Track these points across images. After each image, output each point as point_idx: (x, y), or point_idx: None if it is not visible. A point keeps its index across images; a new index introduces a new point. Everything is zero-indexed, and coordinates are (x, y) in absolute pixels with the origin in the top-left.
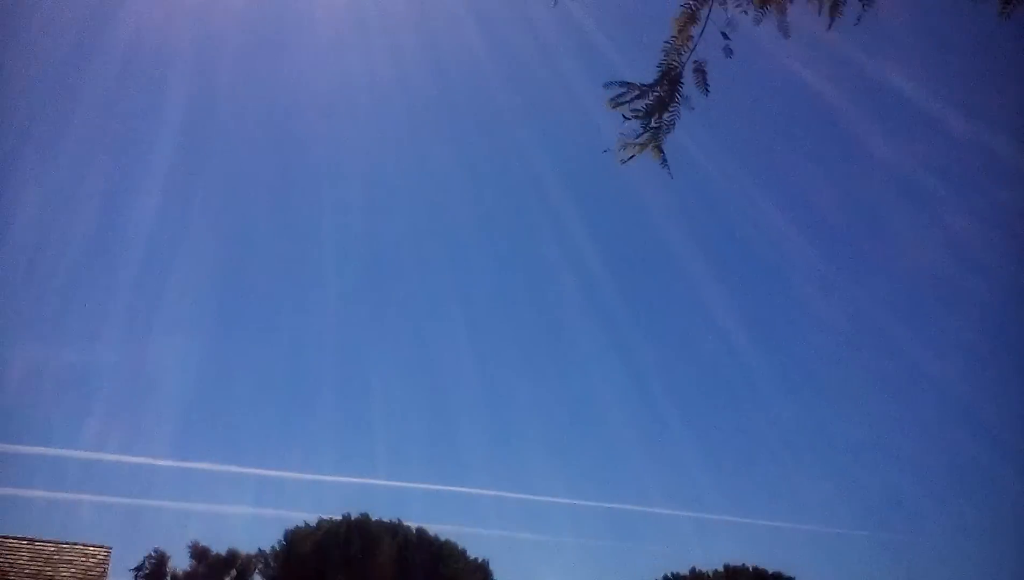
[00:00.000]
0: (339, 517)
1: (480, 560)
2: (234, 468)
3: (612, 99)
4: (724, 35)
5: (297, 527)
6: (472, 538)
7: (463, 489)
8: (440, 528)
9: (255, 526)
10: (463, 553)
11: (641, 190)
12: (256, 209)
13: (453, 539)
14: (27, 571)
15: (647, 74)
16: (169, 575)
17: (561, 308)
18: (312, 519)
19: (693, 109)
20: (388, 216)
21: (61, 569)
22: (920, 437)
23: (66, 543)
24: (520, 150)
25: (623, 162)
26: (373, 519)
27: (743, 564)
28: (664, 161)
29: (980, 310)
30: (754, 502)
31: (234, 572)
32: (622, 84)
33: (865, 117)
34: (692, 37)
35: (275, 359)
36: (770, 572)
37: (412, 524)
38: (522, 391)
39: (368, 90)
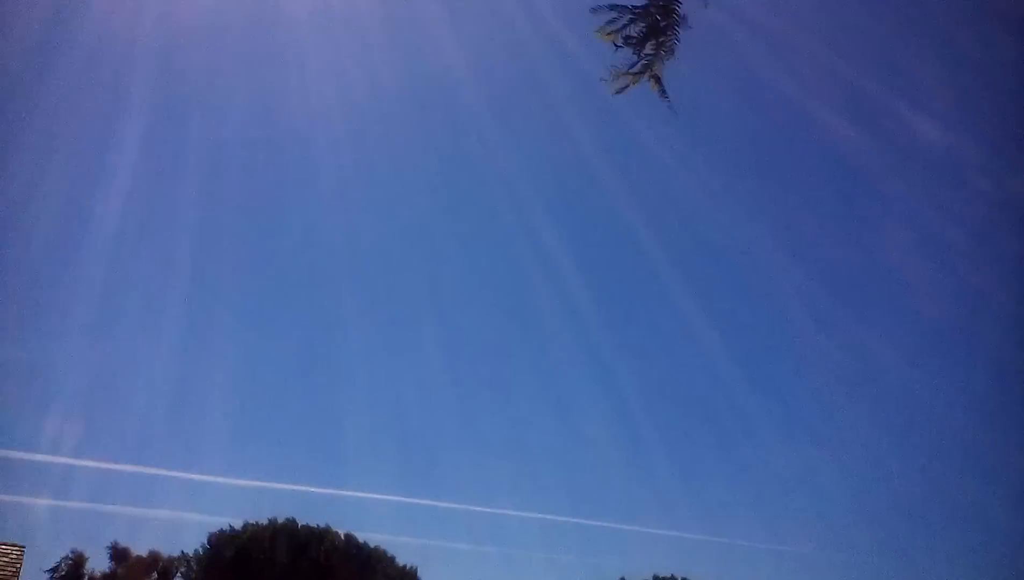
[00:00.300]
0: (265, 521)
1: (409, 567)
2: (160, 471)
3: (602, 27)
4: None
5: (221, 530)
6: (401, 547)
7: (396, 498)
8: (371, 536)
9: (179, 530)
10: (392, 560)
11: (629, 210)
12: (209, 211)
13: (383, 547)
14: None
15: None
16: (87, 576)
17: (530, 315)
18: (239, 524)
19: (691, 28)
20: (352, 217)
21: None
22: (897, 466)
23: None
24: (501, 159)
25: (617, 92)
26: (300, 524)
27: (672, 575)
28: (663, 91)
29: (985, 355)
30: (690, 516)
31: (155, 574)
32: (612, 7)
33: (877, 156)
34: None
35: (203, 360)
36: None
37: (341, 530)
38: (470, 401)
39: (337, 87)
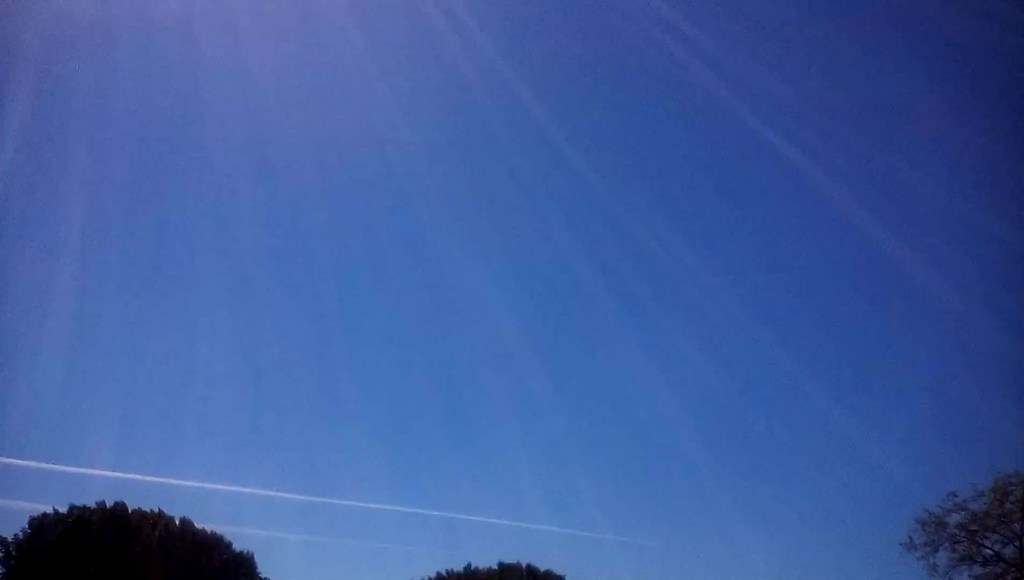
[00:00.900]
0: (93, 505)
1: (246, 552)
2: None
3: None
4: None
5: (44, 514)
6: (241, 537)
7: (237, 488)
8: (209, 526)
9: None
10: (229, 545)
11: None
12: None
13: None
14: None
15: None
16: None
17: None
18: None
19: None
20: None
21: None
22: None
23: None
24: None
25: None
26: (132, 509)
27: (517, 562)
28: None
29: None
30: (531, 508)
31: None
32: None
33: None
34: None
35: (31, 341)
36: (542, 570)
37: (176, 516)
38: (319, 390)
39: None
